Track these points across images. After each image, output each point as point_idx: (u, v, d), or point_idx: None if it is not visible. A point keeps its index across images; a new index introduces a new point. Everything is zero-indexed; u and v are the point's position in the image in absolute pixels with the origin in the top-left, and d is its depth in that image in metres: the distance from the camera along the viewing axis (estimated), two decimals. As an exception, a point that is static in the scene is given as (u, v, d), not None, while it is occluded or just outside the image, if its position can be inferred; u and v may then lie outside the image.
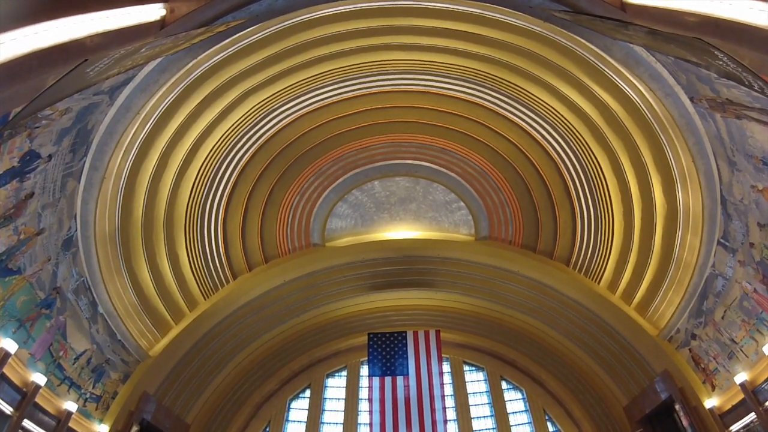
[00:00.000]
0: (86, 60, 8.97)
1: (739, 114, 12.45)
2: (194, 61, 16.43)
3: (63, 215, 14.58)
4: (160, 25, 11.07)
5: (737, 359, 16.66)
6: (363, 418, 26.84)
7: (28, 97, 9.08)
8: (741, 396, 16.40)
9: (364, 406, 27.28)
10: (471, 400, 27.82)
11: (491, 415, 27.13)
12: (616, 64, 16.32)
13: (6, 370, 13.33)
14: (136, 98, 15.28)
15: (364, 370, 28.40)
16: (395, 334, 27.52)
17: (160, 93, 16.42)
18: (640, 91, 16.46)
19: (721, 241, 16.02)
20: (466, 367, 29.28)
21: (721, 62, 9.55)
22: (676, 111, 15.46)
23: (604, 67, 17.09)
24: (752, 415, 16.00)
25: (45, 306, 14.83)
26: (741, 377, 16.34)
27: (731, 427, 17.17)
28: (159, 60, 14.48)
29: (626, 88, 17.01)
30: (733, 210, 14.98)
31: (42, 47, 7.99)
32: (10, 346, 13.35)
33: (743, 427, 16.67)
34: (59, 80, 8.87)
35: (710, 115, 13.90)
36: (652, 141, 17.64)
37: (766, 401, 15.48)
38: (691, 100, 14.36)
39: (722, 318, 16.84)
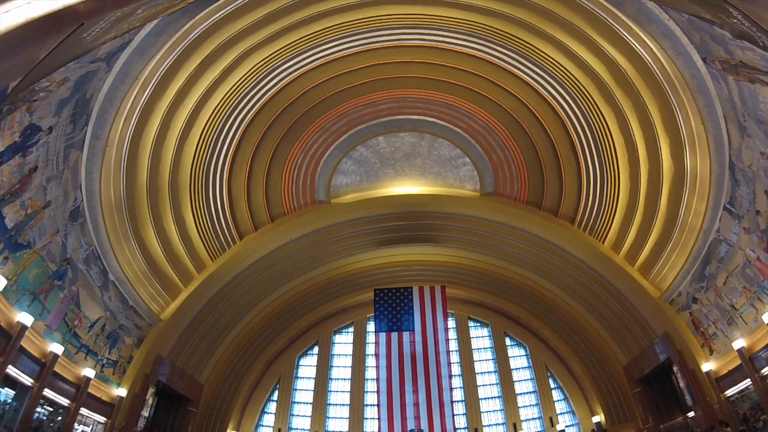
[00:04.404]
0: (82, 24, 8.70)
1: (753, 78, 12.06)
2: (192, 21, 15.84)
3: (68, 186, 14.60)
4: (155, -17, 10.62)
5: (736, 325, 16.87)
6: (370, 373, 27.76)
7: (24, 70, 8.84)
8: (738, 362, 16.69)
9: (371, 361, 28.14)
10: (475, 355, 28.65)
11: (495, 371, 28.05)
12: (627, 21, 15.67)
13: (24, 343, 13.68)
14: (134, 63, 14.87)
15: (371, 326, 29.14)
16: (401, 290, 28.01)
17: (158, 56, 15.99)
18: (651, 50, 15.87)
19: (727, 206, 15.88)
20: (471, 323, 29.96)
21: (735, 20, 9.15)
22: (687, 71, 14.89)
23: (614, 24, 16.43)
24: (748, 381, 16.33)
25: (57, 277, 15.10)
26: (739, 343, 16.55)
27: (726, 392, 17.56)
28: (156, 22, 14.06)
29: (637, 45, 16.42)
30: (741, 176, 14.76)
31: (35, 16, 7.76)
32: (26, 319, 13.64)
33: (738, 392, 17.08)
34: (56, 47, 8.62)
35: (723, 77, 13.47)
36: (661, 101, 17.17)
37: (762, 368, 15.72)
38: (704, 60, 13.86)
39: (724, 284, 16.92)
